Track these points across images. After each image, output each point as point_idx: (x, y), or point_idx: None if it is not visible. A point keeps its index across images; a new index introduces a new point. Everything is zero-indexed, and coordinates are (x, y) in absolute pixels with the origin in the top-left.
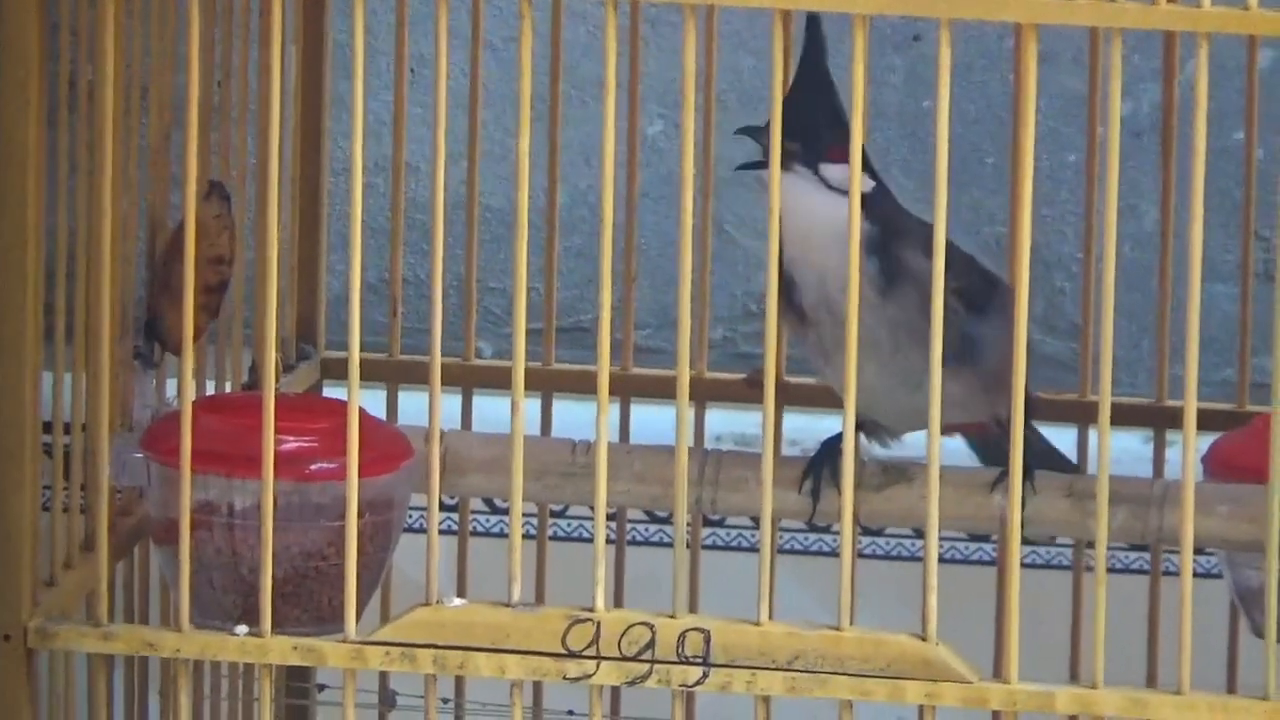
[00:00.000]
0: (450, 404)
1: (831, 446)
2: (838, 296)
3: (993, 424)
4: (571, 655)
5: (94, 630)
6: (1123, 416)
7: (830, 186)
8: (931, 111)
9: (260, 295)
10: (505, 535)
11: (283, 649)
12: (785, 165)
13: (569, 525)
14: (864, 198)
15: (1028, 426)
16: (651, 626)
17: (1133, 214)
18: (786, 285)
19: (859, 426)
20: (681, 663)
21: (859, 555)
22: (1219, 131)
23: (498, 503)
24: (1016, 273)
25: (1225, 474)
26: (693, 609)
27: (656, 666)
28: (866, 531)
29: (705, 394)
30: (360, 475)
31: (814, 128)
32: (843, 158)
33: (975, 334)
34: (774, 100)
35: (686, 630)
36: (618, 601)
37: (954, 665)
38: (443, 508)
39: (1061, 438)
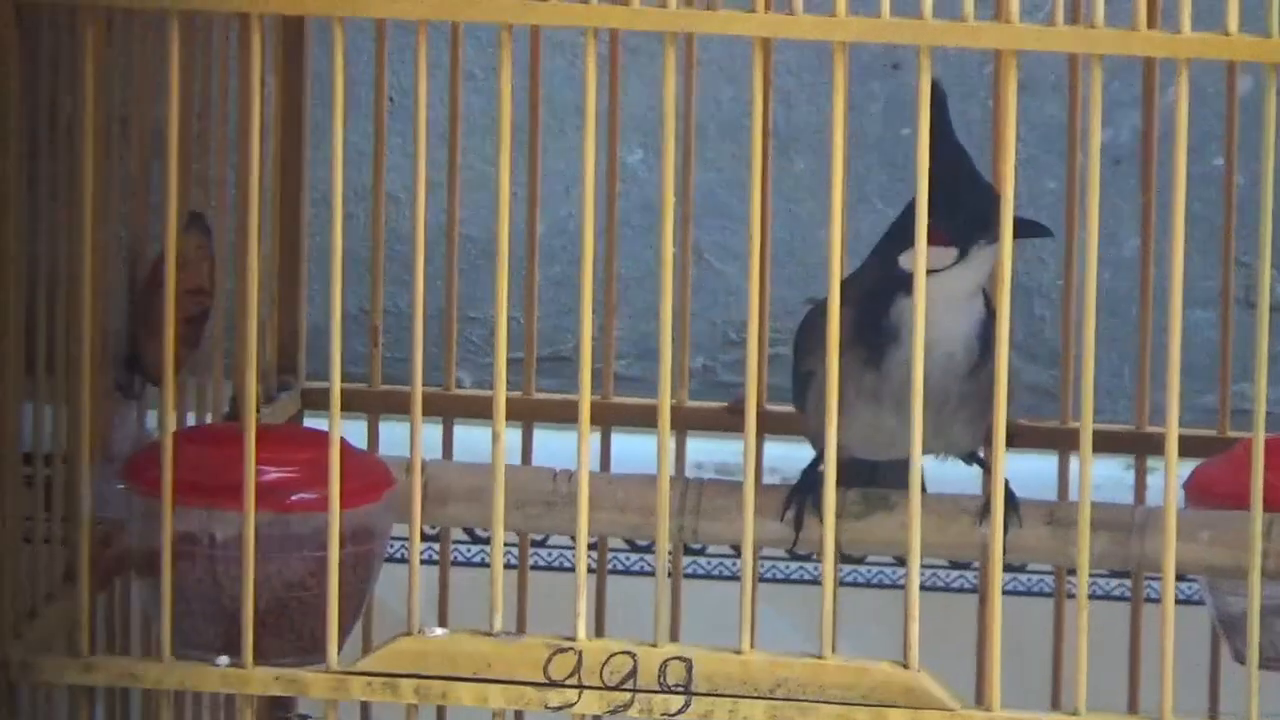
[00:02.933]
0: (431, 434)
1: (812, 475)
2: (933, 385)
3: (963, 458)
4: (554, 684)
5: (75, 662)
6: (1104, 443)
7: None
8: (911, 139)
9: (241, 326)
10: (487, 565)
11: (264, 679)
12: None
13: (550, 554)
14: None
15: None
16: (633, 655)
17: (1113, 241)
18: (877, 326)
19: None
20: (663, 691)
21: (840, 583)
22: (1199, 158)
23: (479, 532)
24: (998, 300)
25: (1207, 500)
26: (674, 638)
27: (638, 695)
28: (848, 559)
29: (686, 423)
30: (341, 506)
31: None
32: (936, 241)
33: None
34: (753, 128)
35: (668, 659)
36: (599, 630)
37: (936, 693)
38: (424, 537)
39: (1043, 465)
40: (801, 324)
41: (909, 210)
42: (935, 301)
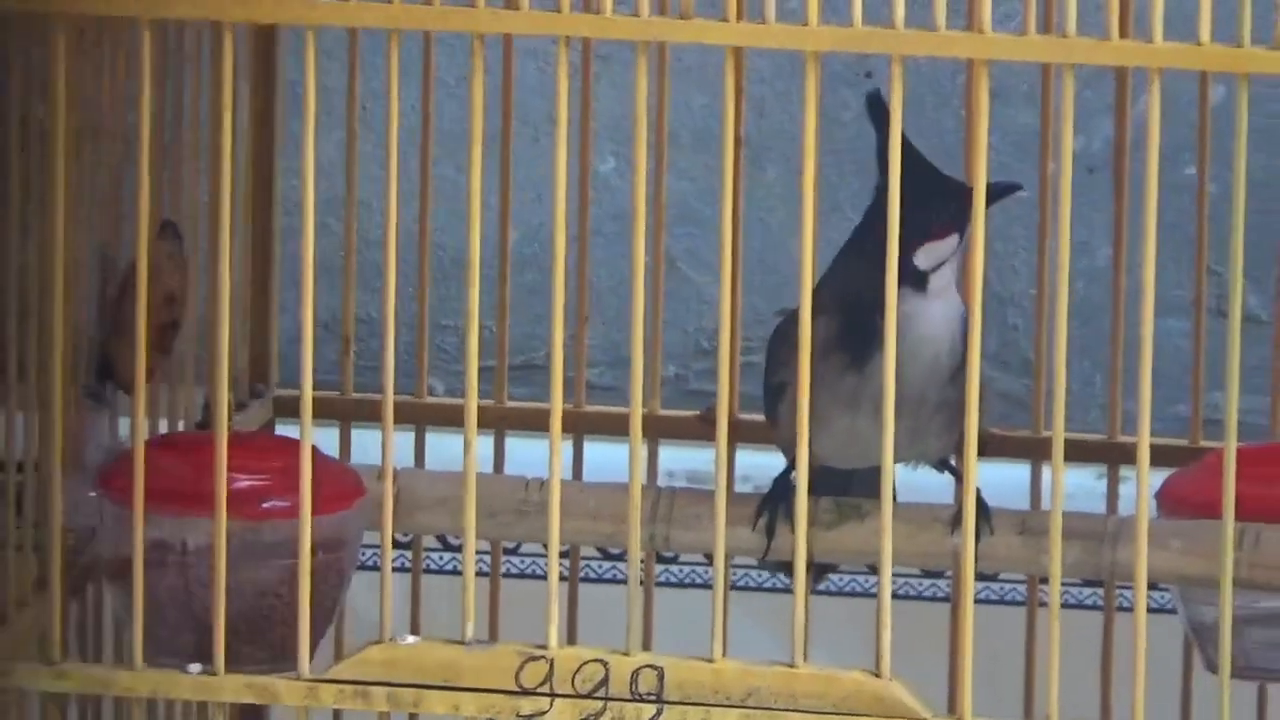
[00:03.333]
0: (403, 442)
1: (784, 483)
2: (918, 387)
3: (936, 466)
4: (525, 693)
5: (47, 669)
6: (1076, 452)
7: (925, 286)
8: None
9: (213, 333)
10: (458, 572)
11: (236, 687)
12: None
13: (522, 562)
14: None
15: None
16: (605, 664)
17: (1085, 250)
18: (865, 328)
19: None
20: (635, 700)
21: (812, 591)
22: (1171, 167)
23: (451, 540)
24: (970, 309)
25: (1179, 510)
26: (646, 646)
27: (610, 704)
28: (823, 569)
29: (658, 431)
30: (313, 513)
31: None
32: (938, 234)
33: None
34: (725, 137)
35: (640, 667)
36: (571, 639)
37: (908, 702)
38: (396, 545)
39: (1015, 474)
40: (774, 335)
41: (884, 211)
42: (935, 296)
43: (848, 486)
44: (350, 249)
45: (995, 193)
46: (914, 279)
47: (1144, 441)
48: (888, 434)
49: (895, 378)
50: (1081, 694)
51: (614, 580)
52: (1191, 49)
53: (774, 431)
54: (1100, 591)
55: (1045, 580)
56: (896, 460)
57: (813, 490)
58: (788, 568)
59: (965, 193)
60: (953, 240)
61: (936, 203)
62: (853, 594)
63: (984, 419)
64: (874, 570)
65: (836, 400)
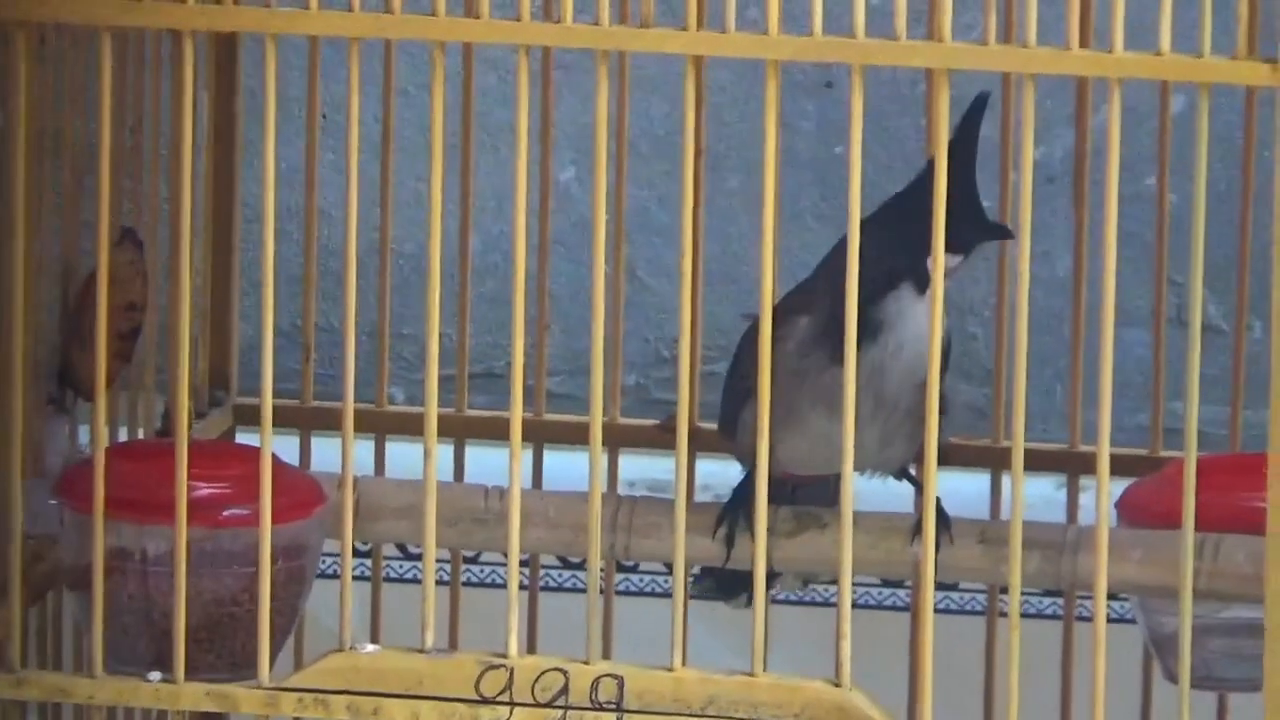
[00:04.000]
0: (363, 450)
1: (744, 492)
2: (894, 388)
3: (895, 475)
4: (485, 701)
5: (7, 676)
6: (1036, 462)
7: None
8: (844, 157)
9: (173, 341)
10: (418, 581)
11: (196, 695)
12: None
13: (482, 571)
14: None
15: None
16: (565, 672)
17: (1046, 259)
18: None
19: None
20: (595, 709)
21: (772, 600)
22: (1132, 177)
23: (411, 549)
24: (931, 318)
25: (1139, 519)
26: (606, 655)
27: (570, 713)
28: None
29: (618, 440)
30: (273, 522)
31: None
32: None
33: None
34: (685, 146)
35: (600, 676)
36: (531, 647)
37: (868, 711)
38: (356, 554)
39: (975, 483)
40: (744, 338)
41: (906, 216)
42: (925, 304)
43: (793, 496)
44: (310, 257)
45: (987, 233)
46: (919, 280)
47: (1104, 451)
48: (848, 440)
49: (876, 375)
50: (1041, 704)
51: (574, 589)
52: (1152, 59)
53: (732, 439)
54: (1060, 601)
55: (1005, 590)
56: (863, 468)
57: (771, 499)
58: (722, 591)
59: (980, 216)
60: (957, 259)
61: (964, 220)
62: (813, 603)
63: (948, 428)
64: (834, 579)
65: (816, 399)
